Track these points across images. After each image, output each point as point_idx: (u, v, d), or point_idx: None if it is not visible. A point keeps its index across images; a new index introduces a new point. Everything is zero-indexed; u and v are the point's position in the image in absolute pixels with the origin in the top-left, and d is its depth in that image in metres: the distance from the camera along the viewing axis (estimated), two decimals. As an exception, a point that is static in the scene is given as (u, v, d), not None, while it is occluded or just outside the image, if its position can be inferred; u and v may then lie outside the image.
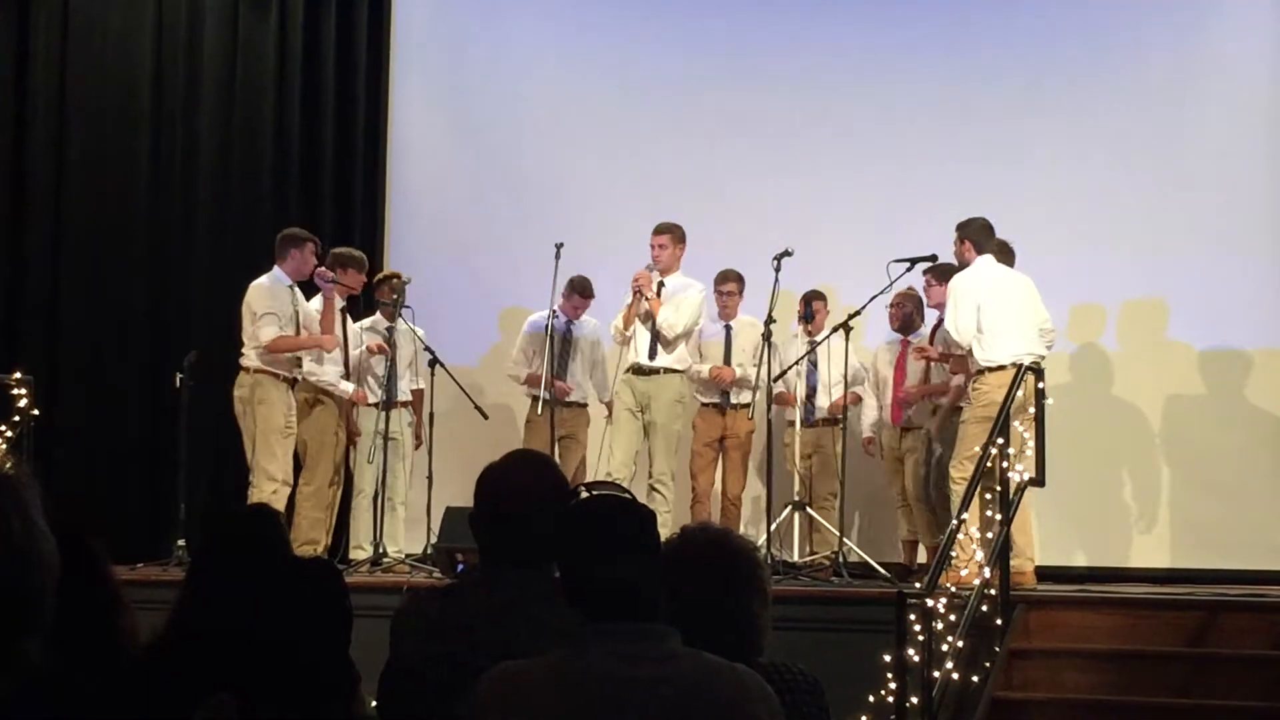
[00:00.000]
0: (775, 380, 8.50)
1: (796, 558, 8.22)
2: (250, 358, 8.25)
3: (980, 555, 6.81)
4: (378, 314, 8.97)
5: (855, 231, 9.47)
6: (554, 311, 8.71)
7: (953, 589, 6.39)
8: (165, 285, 10.17)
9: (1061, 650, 6.70)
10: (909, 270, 7.95)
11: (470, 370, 9.52)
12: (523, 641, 2.54)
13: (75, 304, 10.12)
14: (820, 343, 8.53)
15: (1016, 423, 7.13)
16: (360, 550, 8.67)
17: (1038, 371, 7.36)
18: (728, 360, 8.88)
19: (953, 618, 6.15)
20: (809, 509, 8.37)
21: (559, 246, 8.47)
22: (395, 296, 8.75)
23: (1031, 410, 7.25)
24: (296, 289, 8.48)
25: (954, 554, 6.73)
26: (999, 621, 6.54)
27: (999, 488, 6.90)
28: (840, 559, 7.82)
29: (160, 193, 10.29)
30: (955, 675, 6.13)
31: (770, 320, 8.15)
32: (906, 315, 8.84)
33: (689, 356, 8.78)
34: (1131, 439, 9.26)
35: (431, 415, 8.72)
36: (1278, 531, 8.88)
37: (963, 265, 7.78)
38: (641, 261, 8.71)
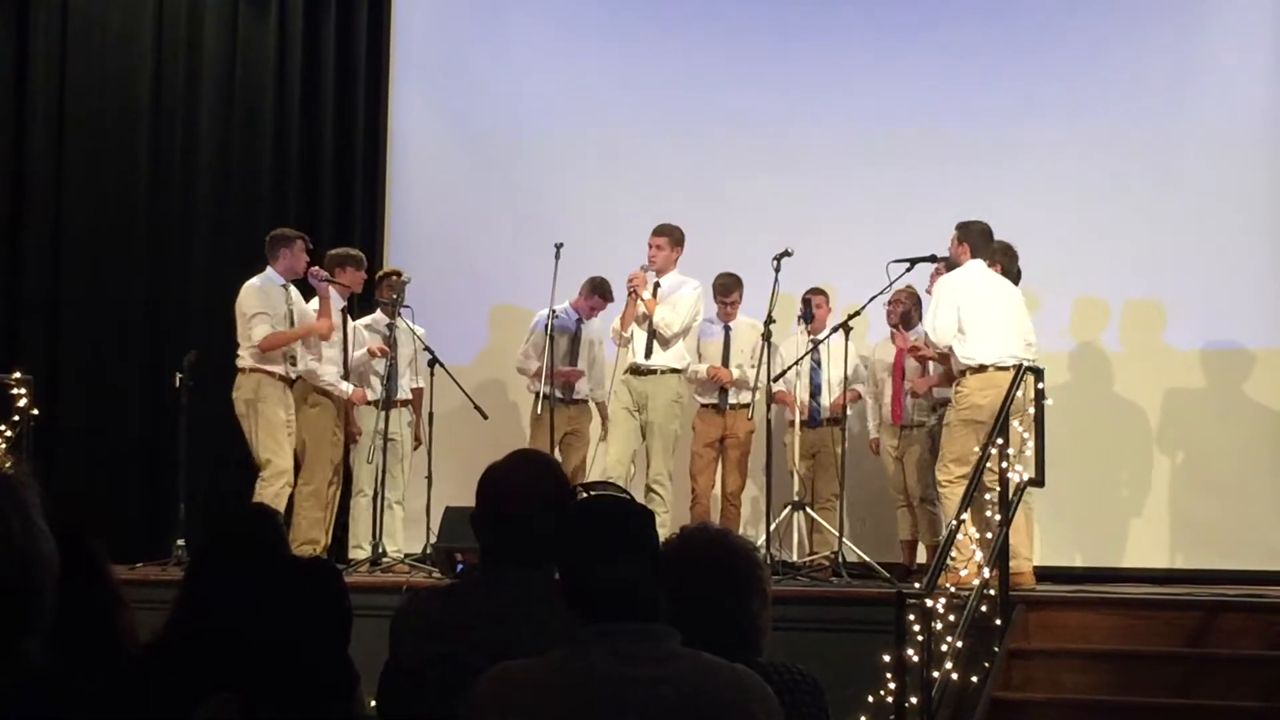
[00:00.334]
0: (775, 380, 8.50)
1: (796, 558, 8.23)
2: (246, 359, 8.30)
3: (979, 555, 6.81)
4: (377, 312, 8.98)
5: (855, 232, 9.46)
6: (553, 311, 8.70)
7: (952, 589, 6.39)
8: (165, 285, 10.17)
9: (1061, 650, 6.70)
10: (909, 270, 7.95)
11: (469, 370, 9.52)
12: (523, 641, 2.54)
13: (75, 303, 10.12)
14: (820, 342, 8.53)
15: (1016, 422, 7.13)
16: (359, 550, 8.67)
17: (1037, 372, 7.36)
18: (726, 361, 8.88)
19: (952, 618, 6.15)
20: (808, 509, 8.37)
21: (559, 246, 8.48)
22: (395, 295, 8.76)
23: (1031, 410, 7.26)
24: (292, 288, 8.51)
25: (953, 554, 6.73)
26: (998, 622, 6.54)
27: (998, 488, 6.90)
28: (839, 559, 7.83)
29: (160, 192, 10.29)
30: (954, 675, 6.13)
31: (770, 320, 8.15)
32: (904, 313, 8.84)
33: (686, 355, 8.78)
34: (1131, 439, 9.25)
35: (431, 415, 8.72)
36: (1277, 532, 8.88)
37: (954, 265, 7.79)
38: (640, 261, 8.71)
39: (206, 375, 8.67)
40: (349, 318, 8.72)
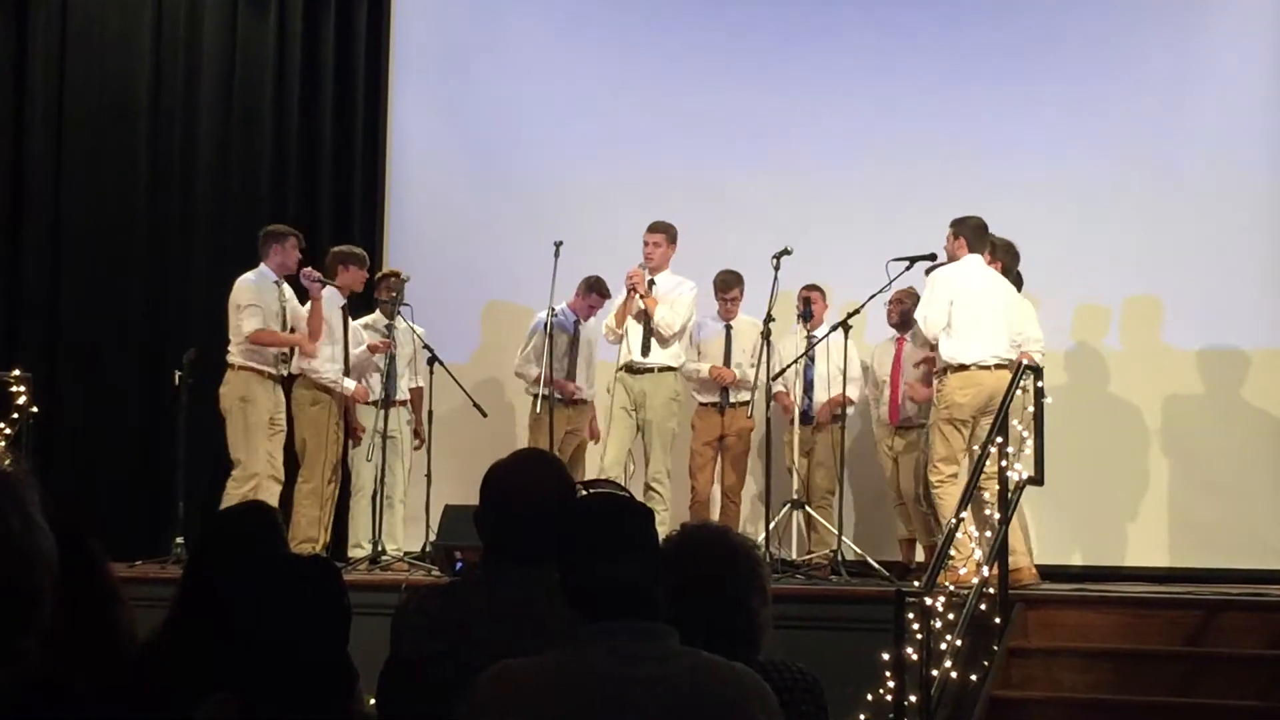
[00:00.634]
0: (774, 379, 8.50)
1: (795, 556, 8.22)
2: (236, 355, 8.33)
3: (979, 554, 6.81)
4: (376, 312, 8.98)
5: (854, 231, 9.46)
6: (553, 310, 8.70)
7: (951, 588, 6.39)
8: (164, 283, 10.17)
9: (1060, 649, 6.70)
10: (908, 269, 7.95)
11: (469, 368, 9.52)
12: (524, 640, 2.54)
13: (74, 302, 10.12)
14: (819, 341, 8.53)
15: (1015, 421, 7.14)
16: (359, 548, 8.68)
17: (1037, 371, 7.37)
18: (728, 360, 8.88)
19: (951, 616, 6.16)
20: (808, 508, 8.37)
21: (558, 245, 8.48)
22: (394, 295, 8.76)
23: (1030, 409, 7.26)
24: (285, 285, 8.53)
25: (952, 553, 6.73)
26: (997, 620, 6.55)
27: (997, 486, 6.90)
28: (839, 557, 7.83)
29: (159, 191, 10.29)
30: (954, 674, 6.13)
31: (769, 319, 8.15)
32: (905, 312, 8.84)
33: (683, 354, 8.78)
34: (1130, 438, 9.25)
35: (430, 413, 8.72)
36: (1276, 531, 8.89)
37: (952, 260, 7.80)
38: (640, 260, 8.72)
39: (205, 373, 8.67)
40: (348, 316, 8.72)
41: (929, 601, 5.84)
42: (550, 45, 10.33)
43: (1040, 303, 8.65)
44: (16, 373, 8.84)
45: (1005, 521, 6.77)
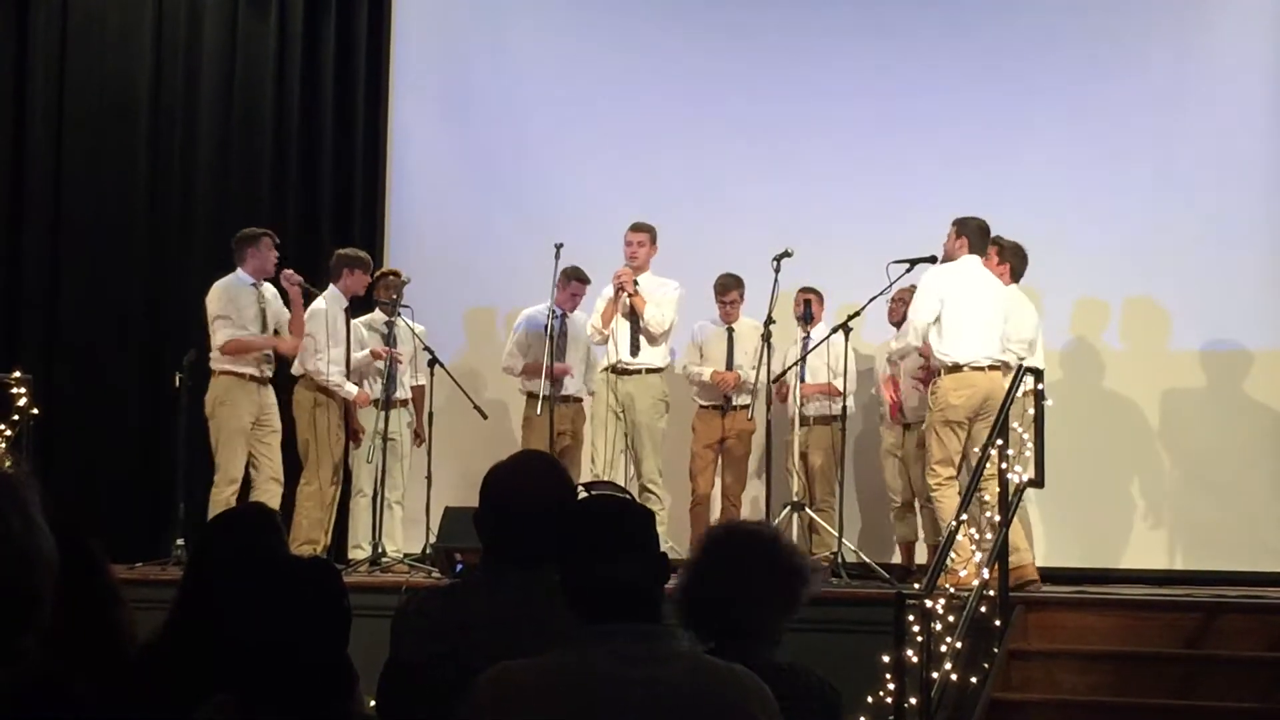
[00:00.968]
0: (774, 381, 8.50)
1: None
2: (216, 360, 8.37)
3: (979, 556, 6.81)
4: (375, 311, 8.98)
5: (855, 232, 9.45)
6: (554, 311, 8.69)
7: (951, 590, 6.39)
8: (164, 284, 10.17)
9: (1060, 651, 6.70)
10: (909, 271, 7.95)
11: (469, 369, 9.51)
12: (524, 642, 2.54)
13: (74, 303, 10.12)
14: (819, 345, 8.52)
15: (1015, 423, 7.13)
16: (359, 550, 8.67)
17: (1037, 372, 7.37)
18: (730, 363, 8.88)
19: (951, 619, 6.15)
20: (808, 509, 8.37)
21: (559, 246, 8.49)
22: (394, 295, 8.76)
23: (1030, 411, 7.26)
24: (265, 286, 8.53)
25: (952, 555, 6.73)
26: (997, 622, 6.54)
27: (997, 488, 6.90)
28: (839, 559, 7.83)
29: (159, 191, 10.29)
30: (954, 676, 6.13)
31: (770, 321, 8.16)
32: (905, 313, 8.84)
33: (669, 355, 8.78)
34: (1131, 439, 9.25)
35: (431, 414, 8.72)
36: (1276, 533, 8.88)
37: (950, 258, 7.79)
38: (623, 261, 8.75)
39: (205, 375, 8.67)
40: (349, 317, 8.72)
41: (929, 604, 5.84)
42: (551, 46, 10.33)
43: (1041, 303, 8.65)
44: (17, 374, 8.84)
45: (1006, 524, 6.76)
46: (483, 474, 3.06)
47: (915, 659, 5.71)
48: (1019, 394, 7.14)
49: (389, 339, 8.69)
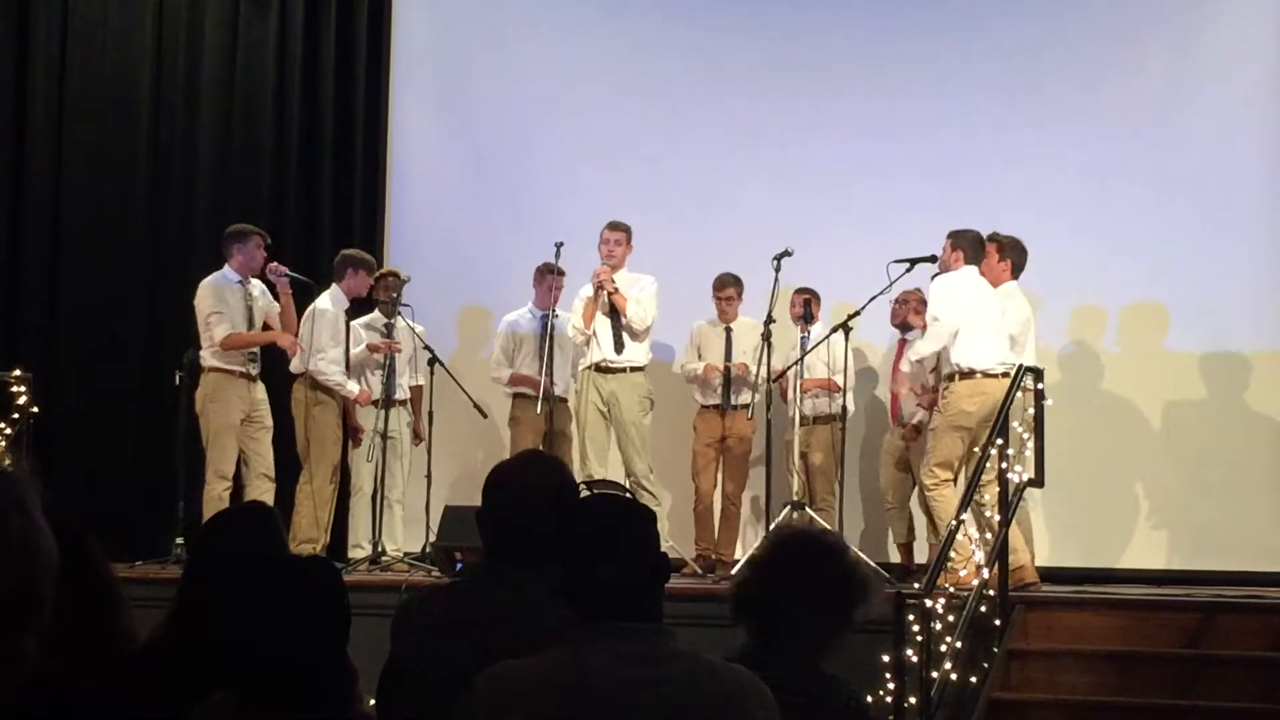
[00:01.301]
0: (774, 381, 8.50)
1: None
2: (206, 357, 8.37)
3: (979, 556, 6.81)
4: (375, 311, 8.98)
5: (855, 232, 9.45)
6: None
7: (951, 590, 6.40)
8: (164, 283, 10.16)
9: (1059, 651, 6.71)
10: (909, 271, 7.95)
11: (469, 368, 9.51)
12: (524, 641, 2.54)
13: (74, 301, 10.12)
14: (818, 344, 8.53)
15: (1015, 423, 7.14)
16: (359, 549, 8.68)
17: (1037, 373, 7.37)
18: (727, 364, 8.87)
19: (951, 618, 6.16)
20: (808, 509, 8.37)
21: (559, 246, 8.49)
22: (394, 295, 8.77)
23: (1030, 411, 7.26)
24: (253, 283, 8.55)
25: (952, 555, 6.74)
26: (997, 622, 6.55)
27: (997, 488, 6.90)
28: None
29: (159, 191, 10.29)
30: (954, 676, 6.13)
31: (770, 320, 8.15)
32: (907, 315, 8.85)
33: (649, 352, 8.77)
34: (1130, 440, 9.25)
35: (431, 414, 8.72)
36: (1274, 533, 8.88)
37: (945, 270, 7.80)
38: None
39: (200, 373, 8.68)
40: (348, 318, 8.72)
41: (929, 603, 5.85)
42: (550, 46, 10.33)
43: (1040, 305, 8.65)
44: (17, 373, 8.85)
45: (1005, 524, 6.77)
46: (482, 473, 3.06)
47: (915, 658, 5.72)
48: (1018, 394, 7.14)
49: (388, 338, 8.69)
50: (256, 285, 8.62)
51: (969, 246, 7.72)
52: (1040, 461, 7.15)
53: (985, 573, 6.57)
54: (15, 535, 1.68)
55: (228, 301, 8.43)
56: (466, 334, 10.07)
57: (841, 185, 9.69)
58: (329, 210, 10.28)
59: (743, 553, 8.66)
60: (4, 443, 8.65)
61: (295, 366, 8.69)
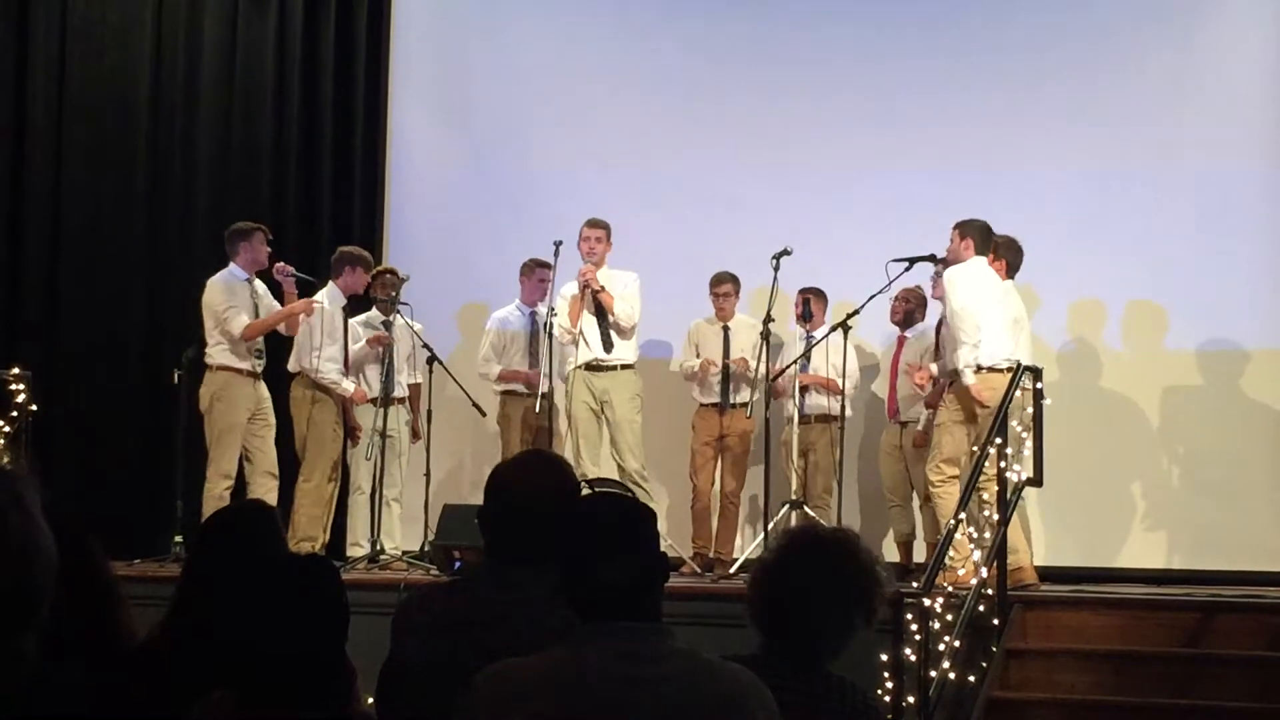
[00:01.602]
0: (773, 380, 8.50)
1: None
2: (214, 356, 8.36)
3: (977, 555, 6.81)
4: (373, 310, 8.98)
5: (854, 232, 9.45)
6: (553, 308, 8.68)
7: (949, 589, 6.40)
8: (163, 282, 10.17)
9: (1058, 650, 6.71)
10: (908, 270, 7.95)
11: (467, 367, 9.50)
12: (524, 640, 2.55)
13: (73, 300, 10.12)
14: (818, 342, 8.53)
15: (1014, 422, 7.13)
16: (357, 547, 8.68)
17: (1036, 371, 7.36)
18: (725, 360, 8.87)
19: (949, 617, 6.16)
20: (806, 508, 8.37)
21: (558, 245, 8.48)
22: (392, 293, 8.77)
23: (1029, 410, 7.26)
24: (257, 281, 8.56)
25: (951, 554, 6.74)
26: (995, 621, 6.55)
27: (995, 487, 6.90)
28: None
29: (158, 189, 10.29)
30: (952, 675, 6.13)
31: (769, 319, 8.16)
32: (908, 312, 8.85)
33: (637, 349, 8.77)
34: (1129, 439, 9.25)
35: (429, 412, 8.72)
36: (1273, 532, 8.88)
37: (955, 261, 7.77)
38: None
39: (204, 372, 8.68)
40: (346, 315, 8.72)
41: (927, 603, 5.85)
42: (550, 45, 10.33)
43: (1040, 303, 8.65)
44: (16, 371, 8.85)
45: (1004, 522, 6.77)
46: (480, 471, 3.07)
47: (913, 658, 5.72)
48: (1016, 392, 7.14)
49: (388, 334, 8.71)
50: (259, 283, 8.63)
51: (977, 235, 7.68)
52: (1039, 460, 7.15)
53: (984, 572, 6.57)
54: (14, 533, 1.68)
55: (238, 297, 8.43)
56: (465, 332, 10.05)
57: (841, 184, 9.69)
58: (328, 209, 10.28)
59: (741, 552, 8.67)
60: (3, 441, 8.65)
61: (292, 365, 8.70)
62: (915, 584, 6.26)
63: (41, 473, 1.94)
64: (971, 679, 6.25)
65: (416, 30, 10.57)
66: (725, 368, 8.86)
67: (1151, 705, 6.25)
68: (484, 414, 8.85)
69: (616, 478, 8.42)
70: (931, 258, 8.04)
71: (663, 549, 2.62)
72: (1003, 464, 6.86)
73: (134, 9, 10.33)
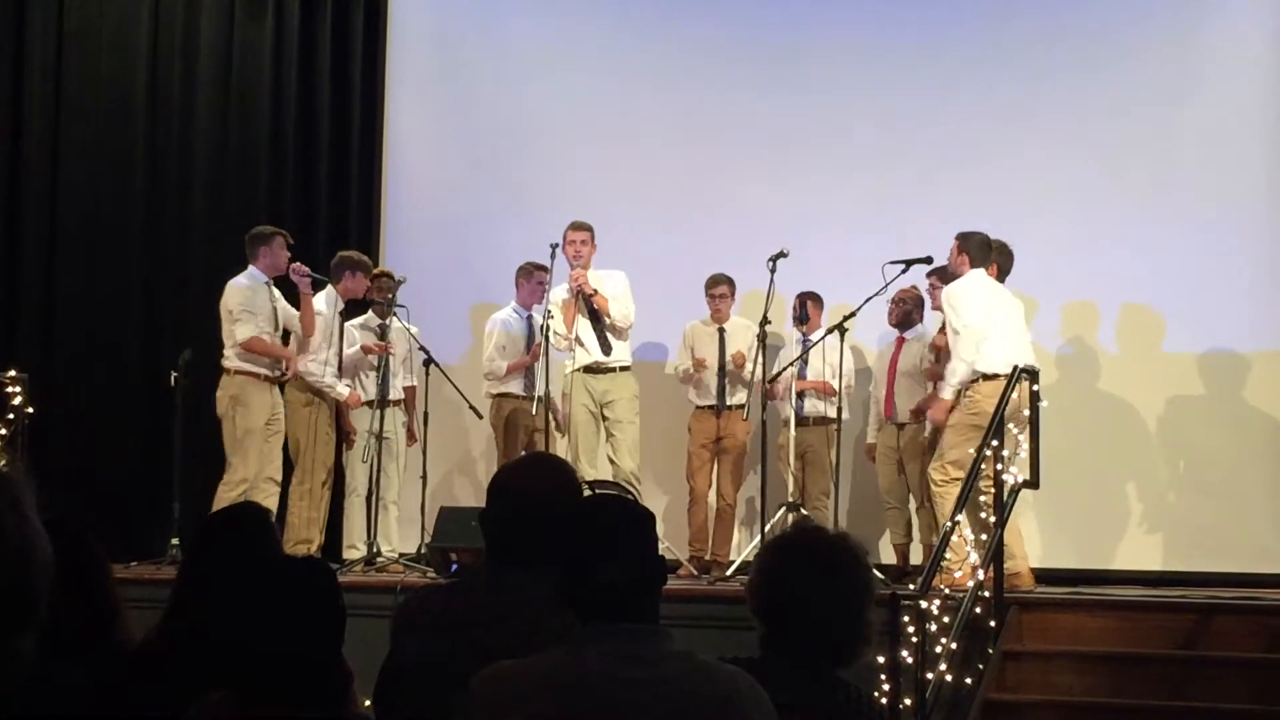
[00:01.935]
0: (770, 382, 8.50)
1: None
2: (231, 359, 8.34)
3: (974, 557, 6.81)
4: (369, 312, 8.98)
5: (851, 233, 9.45)
6: (548, 315, 8.69)
7: (946, 591, 6.40)
8: (160, 283, 10.17)
9: (1054, 652, 6.71)
10: (904, 272, 7.96)
11: (465, 369, 9.51)
12: (523, 641, 2.55)
13: (70, 302, 10.12)
14: (815, 344, 8.54)
15: (1011, 425, 7.14)
16: (354, 550, 8.68)
17: (1033, 374, 7.37)
18: (722, 362, 8.87)
19: (946, 619, 6.16)
20: (802, 510, 8.37)
21: (554, 247, 8.48)
22: (388, 295, 8.77)
23: (1026, 413, 7.26)
24: (273, 287, 8.55)
25: (948, 556, 6.74)
26: (992, 623, 6.55)
27: (993, 489, 6.90)
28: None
29: (155, 191, 10.29)
30: (949, 677, 6.13)
31: (765, 321, 8.16)
32: (906, 313, 8.85)
33: (632, 351, 8.78)
34: (1126, 441, 9.25)
35: (426, 414, 8.72)
36: (1270, 534, 8.89)
37: (954, 275, 7.79)
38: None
39: (201, 374, 8.68)
40: (342, 319, 8.72)
41: (924, 605, 5.85)
42: (548, 46, 10.33)
43: (1036, 305, 8.64)
44: (12, 373, 8.84)
45: (1001, 525, 6.77)
46: (477, 473, 3.07)
47: (910, 660, 5.72)
48: (1013, 395, 7.14)
49: (383, 339, 8.70)
50: (275, 289, 8.62)
51: (975, 249, 7.70)
52: (1036, 463, 7.15)
53: (980, 574, 6.57)
54: (11, 535, 1.68)
55: (257, 303, 8.41)
56: (462, 335, 10.05)
57: (838, 185, 9.69)
58: (325, 209, 10.28)
59: (738, 554, 8.67)
60: (0, 444, 8.65)
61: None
62: (912, 586, 6.27)
63: (38, 475, 1.93)
64: (968, 681, 6.25)
65: (413, 31, 10.57)
66: (721, 369, 8.86)
67: (1148, 707, 6.26)
68: (481, 416, 8.85)
69: (614, 479, 8.44)
70: (928, 259, 8.05)
71: (660, 551, 2.62)
72: (999, 466, 6.87)
73: (131, 10, 10.33)
